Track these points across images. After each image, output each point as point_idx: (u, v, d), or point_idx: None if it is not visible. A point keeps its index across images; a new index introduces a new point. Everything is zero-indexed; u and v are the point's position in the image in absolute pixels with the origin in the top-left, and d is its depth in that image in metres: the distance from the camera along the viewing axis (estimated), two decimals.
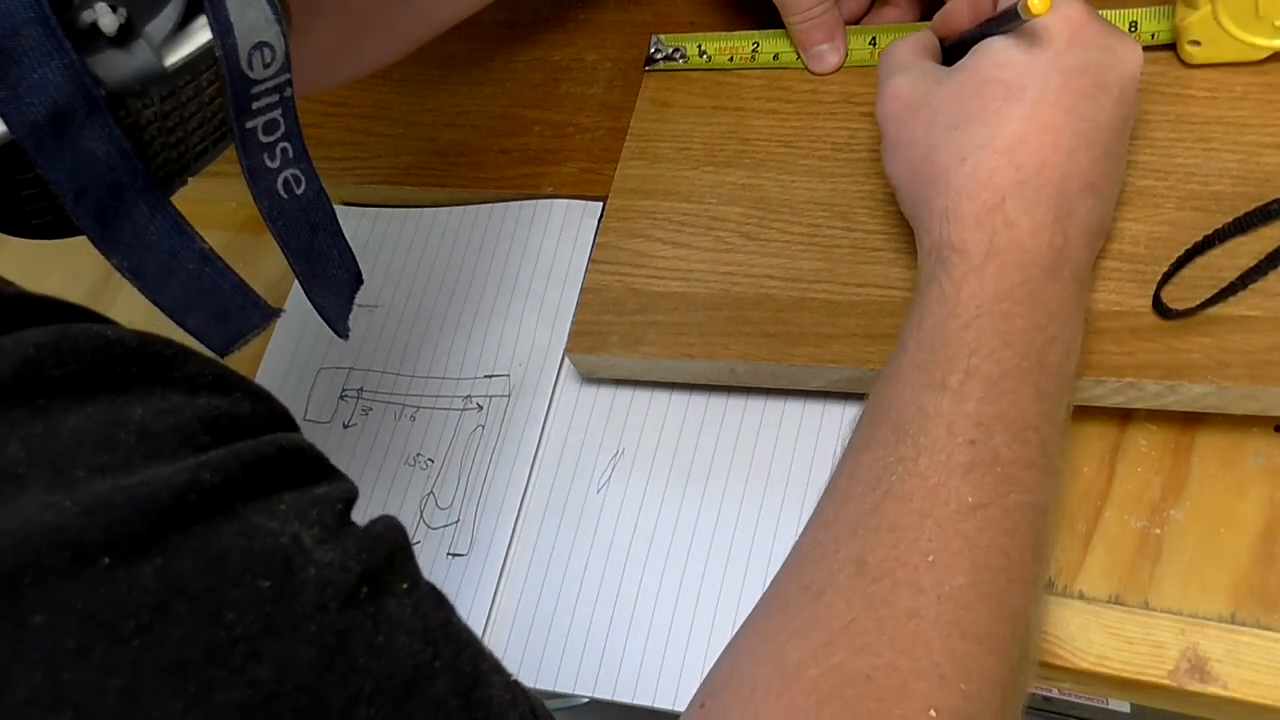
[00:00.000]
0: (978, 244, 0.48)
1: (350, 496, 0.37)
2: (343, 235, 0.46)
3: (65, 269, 0.65)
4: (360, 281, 0.47)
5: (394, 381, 0.68)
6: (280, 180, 0.41)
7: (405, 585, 0.36)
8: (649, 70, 0.69)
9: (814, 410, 0.60)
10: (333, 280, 0.46)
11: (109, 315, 0.36)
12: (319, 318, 0.44)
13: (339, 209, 0.73)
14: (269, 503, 0.34)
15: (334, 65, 0.61)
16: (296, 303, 0.72)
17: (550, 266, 0.68)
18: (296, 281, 0.46)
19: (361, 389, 0.68)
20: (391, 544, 0.36)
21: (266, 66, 0.38)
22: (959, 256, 0.48)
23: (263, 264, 0.71)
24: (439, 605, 0.37)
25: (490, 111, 0.73)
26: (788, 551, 0.46)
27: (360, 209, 0.74)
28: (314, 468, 0.37)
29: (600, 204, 0.67)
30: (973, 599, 0.42)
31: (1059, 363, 0.47)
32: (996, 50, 0.50)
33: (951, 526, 0.43)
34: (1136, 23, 0.59)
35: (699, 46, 0.67)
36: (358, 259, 0.47)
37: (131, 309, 0.42)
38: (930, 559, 0.43)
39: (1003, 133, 0.49)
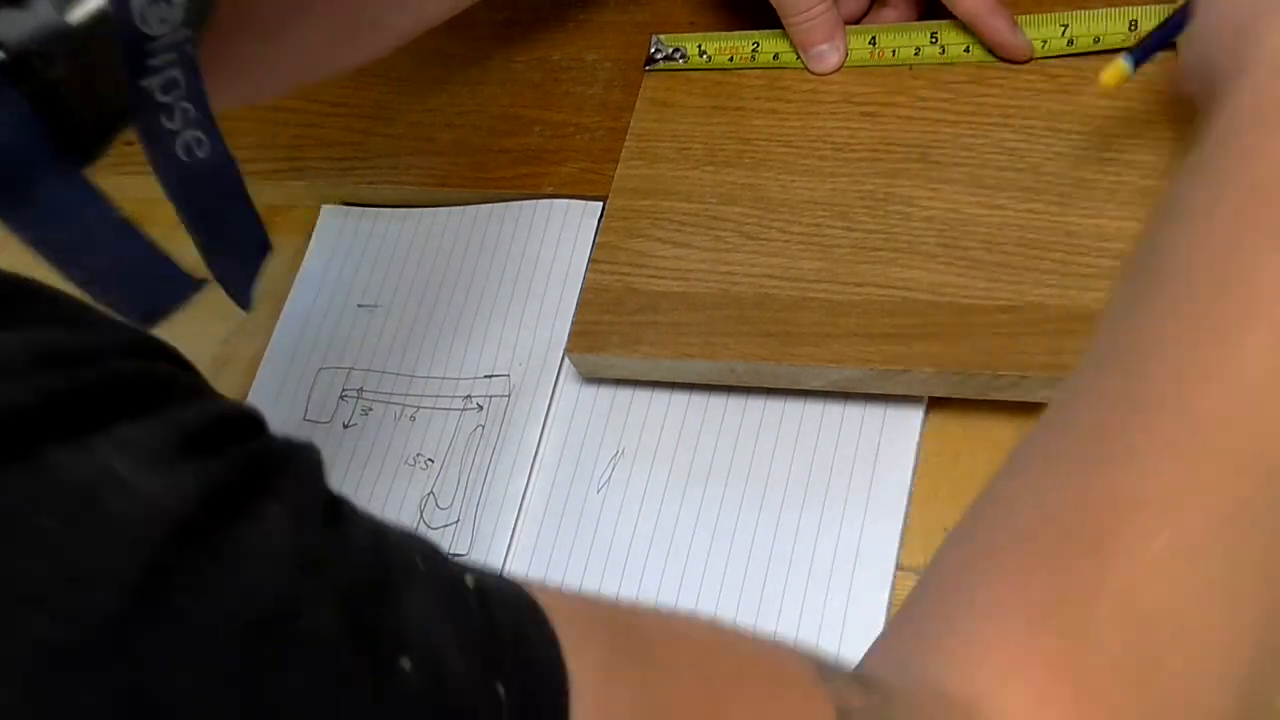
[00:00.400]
0: None
1: (223, 415, 0.31)
2: (251, 202, 0.42)
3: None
4: (267, 249, 0.43)
5: (394, 381, 0.68)
6: (180, 143, 0.39)
7: (274, 504, 0.30)
8: (649, 70, 0.69)
9: (814, 410, 0.60)
10: (238, 248, 0.43)
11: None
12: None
13: (339, 209, 0.74)
14: (85, 438, 0.28)
15: (325, 62, 0.60)
16: (297, 304, 0.72)
17: (550, 266, 0.68)
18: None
19: (361, 389, 0.68)
20: (267, 458, 0.30)
21: (163, 22, 0.37)
22: None
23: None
24: (333, 521, 0.31)
25: (490, 111, 0.73)
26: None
27: (360, 209, 0.74)
28: (162, 393, 0.30)
29: (600, 204, 0.67)
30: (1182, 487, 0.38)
31: None
32: None
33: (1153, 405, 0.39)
34: (1136, 21, 0.59)
35: (699, 46, 0.67)
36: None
37: None
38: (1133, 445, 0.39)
39: None
